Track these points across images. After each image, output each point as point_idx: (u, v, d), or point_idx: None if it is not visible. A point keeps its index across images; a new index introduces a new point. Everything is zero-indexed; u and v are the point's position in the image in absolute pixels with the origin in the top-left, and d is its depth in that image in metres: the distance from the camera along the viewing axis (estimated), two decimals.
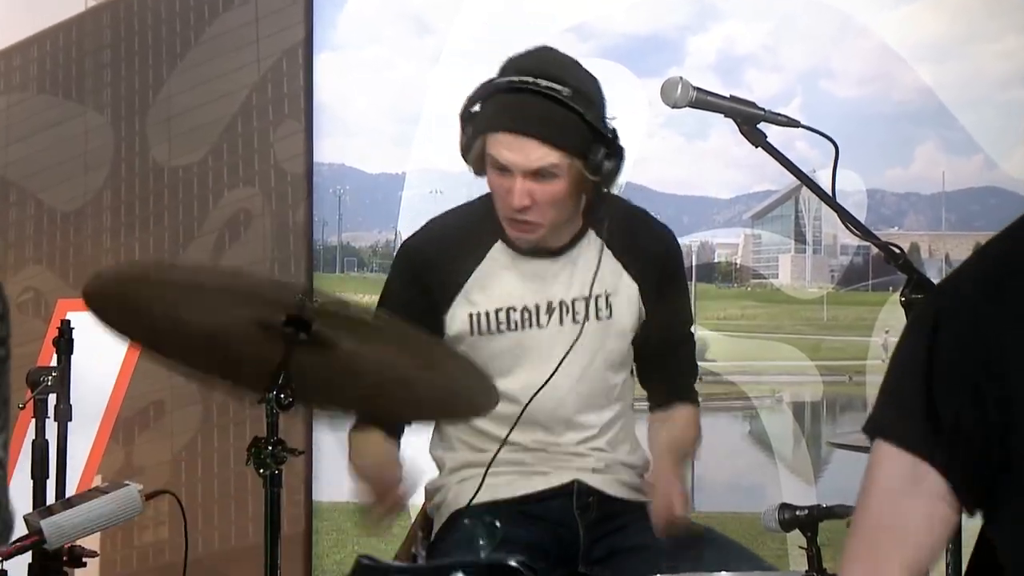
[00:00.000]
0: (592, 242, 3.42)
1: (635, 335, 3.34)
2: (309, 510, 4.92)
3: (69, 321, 3.95)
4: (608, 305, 3.37)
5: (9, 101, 5.13)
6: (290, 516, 4.42)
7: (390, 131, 5.17)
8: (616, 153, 3.23)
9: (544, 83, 3.18)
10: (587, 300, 3.40)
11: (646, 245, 3.44)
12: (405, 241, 3.62)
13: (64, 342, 3.93)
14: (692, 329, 3.68)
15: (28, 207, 5.09)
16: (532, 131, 3.19)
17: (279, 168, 4.98)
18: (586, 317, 3.37)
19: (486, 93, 3.24)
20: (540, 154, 3.17)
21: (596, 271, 3.40)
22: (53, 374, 3.91)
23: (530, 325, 3.38)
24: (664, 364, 3.31)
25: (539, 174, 3.18)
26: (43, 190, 5.08)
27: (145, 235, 5.05)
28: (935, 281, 3.01)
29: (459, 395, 2.96)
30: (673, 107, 2.95)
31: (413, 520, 3.47)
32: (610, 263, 3.39)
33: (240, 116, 5.01)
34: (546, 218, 3.26)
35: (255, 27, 4.99)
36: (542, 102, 3.19)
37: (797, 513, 2.82)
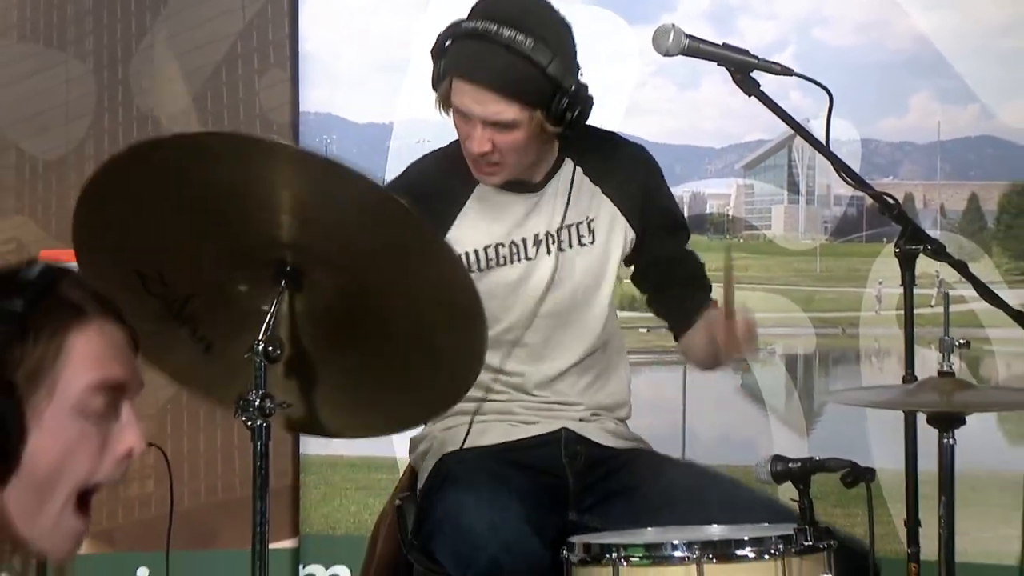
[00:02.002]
0: (569, 170, 3.46)
1: (634, 259, 3.37)
2: (296, 464, 4.94)
3: None
4: (591, 231, 3.41)
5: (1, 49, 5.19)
6: (277, 470, 4.24)
7: (377, 80, 5.17)
8: (580, 99, 3.27)
9: (507, 33, 3.19)
10: (568, 228, 3.42)
11: (620, 166, 3.49)
12: (399, 176, 3.59)
13: None
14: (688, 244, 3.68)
15: (9, 156, 5.05)
16: (490, 83, 3.23)
17: (264, 117, 5.02)
18: (575, 241, 3.41)
19: (452, 34, 3.28)
20: (497, 108, 3.23)
21: (568, 199, 3.44)
22: None
23: (517, 257, 3.42)
24: (675, 280, 3.30)
25: (496, 123, 3.24)
26: (24, 139, 5.05)
27: None
28: (930, 232, 3.16)
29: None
30: (665, 55, 3.10)
31: (401, 473, 3.49)
32: (587, 189, 3.45)
33: (224, 64, 5.03)
34: (508, 160, 3.31)
35: None
36: (503, 53, 3.21)
37: (789, 466, 2.85)
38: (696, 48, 3.12)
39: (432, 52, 3.32)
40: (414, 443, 3.24)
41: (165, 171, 2.79)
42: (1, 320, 1.85)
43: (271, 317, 2.68)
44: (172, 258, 2.76)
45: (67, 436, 1.90)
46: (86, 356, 1.88)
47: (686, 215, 4.75)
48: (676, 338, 3.29)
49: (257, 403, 2.71)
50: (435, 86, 3.33)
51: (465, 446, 3.08)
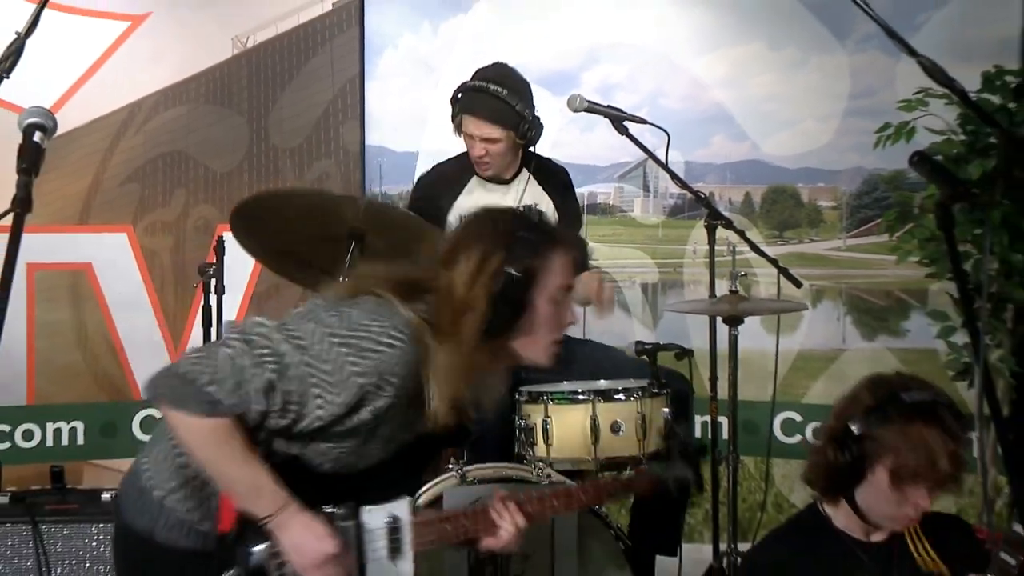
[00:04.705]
0: (524, 175, 3.82)
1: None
2: None
3: (223, 237, 4.14)
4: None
5: (188, 108, 5.18)
6: None
7: (408, 127, 5.21)
8: (536, 127, 3.67)
9: (493, 88, 3.61)
10: (523, 207, 3.56)
11: (552, 176, 3.89)
12: (431, 167, 3.98)
13: (220, 249, 4.13)
14: (582, 221, 4.03)
15: (200, 170, 5.19)
16: (483, 116, 3.62)
17: (345, 149, 5.22)
18: None
19: (463, 88, 3.66)
20: (488, 130, 3.63)
21: (524, 190, 3.81)
22: (213, 266, 4.12)
23: None
24: None
25: (488, 140, 3.64)
26: (209, 160, 5.22)
27: (266, 186, 5.15)
28: (724, 213, 3.88)
29: None
30: (574, 112, 3.70)
31: None
32: (534, 186, 3.83)
33: (322, 118, 5.21)
34: (495, 162, 3.70)
35: (330, 66, 5.19)
36: (492, 99, 3.60)
37: (645, 346, 3.47)
38: (592, 108, 3.66)
39: (451, 100, 3.71)
40: None
41: (277, 198, 3.65)
42: (525, 244, 2.18)
43: (349, 258, 3.25)
44: (288, 239, 3.43)
45: (546, 310, 2.21)
46: (559, 268, 2.22)
47: (585, 204, 5.06)
48: None
49: None
50: (453, 119, 3.71)
51: None
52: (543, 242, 2.20)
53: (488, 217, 2.25)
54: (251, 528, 2.15)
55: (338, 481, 2.22)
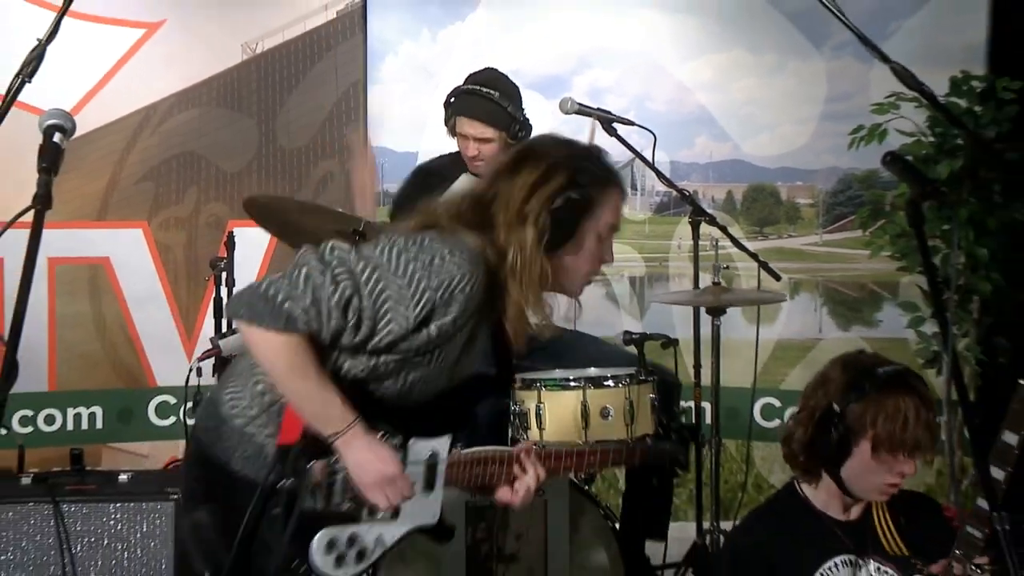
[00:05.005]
0: None
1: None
2: None
3: (233, 233, 4.29)
4: None
5: (200, 111, 5.17)
6: None
7: (409, 130, 5.18)
8: (525, 128, 3.64)
9: (485, 90, 3.62)
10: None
11: None
12: (417, 165, 4.01)
13: (230, 244, 4.20)
14: None
15: (212, 170, 5.19)
16: (477, 117, 3.62)
17: (348, 148, 5.22)
18: None
19: (456, 92, 3.68)
20: (481, 130, 3.63)
21: None
22: (224, 260, 4.17)
23: None
24: None
25: (481, 140, 3.63)
26: (220, 160, 5.21)
27: (274, 184, 5.20)
28: (708, 210, 3.92)
29: None
30: (566, 114, 3.74)
31: None
32: None
33: (327, 120, 5.21)
34: (488, 160, 3.62)
35: (335, 71, 5.19)
36: (484, 101, 3.61)
37: (633, 336, 3.46)
38: (583, 110, 3.72)
39: (444, 103, 3.72)
40: None
41: (281, 201, 3.84)
42: (589, 174, 2.16)
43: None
44: (295, 227, 3.48)
45: (592, 242, 2.19)
46: (612, 206, 2.21)
47: None
48: None
49: None
50: (447, 121, 3.71)
51: None
52: (604, 177, 2.20)
53: (558, 140, 2.24)
54: (314, 444, 2.16)
55: (392, 412, 2.23)
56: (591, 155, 2.23)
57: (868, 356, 2.57)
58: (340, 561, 2.17)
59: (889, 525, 2.52)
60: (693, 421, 4.09)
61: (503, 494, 2.36)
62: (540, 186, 2.14)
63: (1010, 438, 2.00)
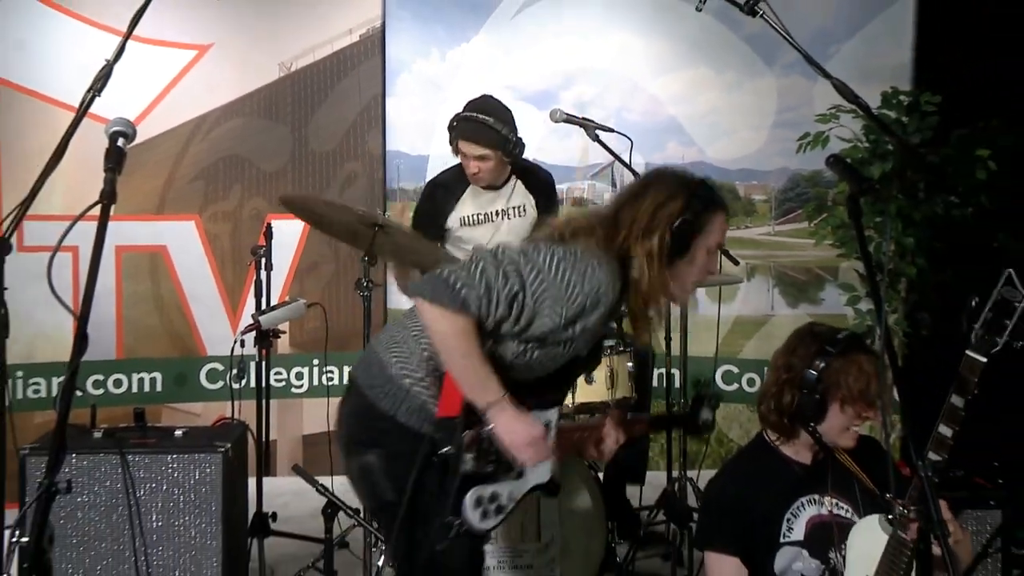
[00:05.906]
0: (512, 181, 3.71)
1: (535, 223, 3.52)
2: (385, 316, 4.98)
3: (271, 224, 4.11)
4: (524, 211, 3.69)
5: (243, 120, 5.12)
6: (377, 320, 4.30)
7: (420, 136, 5.14)
8: (519, 146, 3.57)
9: (481, 116, 3.52)
10: (512, 208, 3.67)
11: (538, 181, 3.78)
12: (429, 180, 3.93)
13: (268, 234, 4.04)
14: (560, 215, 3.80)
15: (252, 170, 5.14)
16: (475, 140, 3.55)
17: (369, 152, 5.16)
18: (515, 215, 3.69)
19: (457, 118, 3.59)
20: (480, 151, 3.55)
21: (511, 194, 3.70)
22: (263, 248, 3.98)
23: (490, 221, 3.67)
24: None
25: (480, 158, 3.57)
26: (259, 162, 5.16)
27: (305, 182, 5.15)
28: None
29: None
30: (555, 122, 3.72)
31: None
32: (522, 190, 3.73)
33: (351, 128, 5.15)
34: (486, 176, 3.60)
35: (358, 86, 5.14)
36: (482, 126, 3.52)
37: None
38: (569, 119, 3.68)
39: (448, 127, 3.65)
40: None
41: (311, 200, 3.76)
42: (702, 199, 2.19)
43: (371, 243, 3.21)
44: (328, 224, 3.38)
45: (701, 257, 2.23)
46: (719, 228, 2.24)
47: (565, 197, 5.03)
48: None
49: (364, 283, 3.24)
50: (450, 142, 3.64)
51: None
52: (713, 203, 2.22)
53: (676, 172, 2.28)
54: (468, 417, 2.19)
55: (518, 387, 2.23)
56: (703, 185, 2.26)
57: (824, 326, 2.54)
58: (485, 515, 2.21)
59: (848, 458, 2.50)
60: (664, 385, 4.09)
61: (591, 453, 2.47)
62: (663, 207, 2.17)
63: (958, 401, 1.97)
